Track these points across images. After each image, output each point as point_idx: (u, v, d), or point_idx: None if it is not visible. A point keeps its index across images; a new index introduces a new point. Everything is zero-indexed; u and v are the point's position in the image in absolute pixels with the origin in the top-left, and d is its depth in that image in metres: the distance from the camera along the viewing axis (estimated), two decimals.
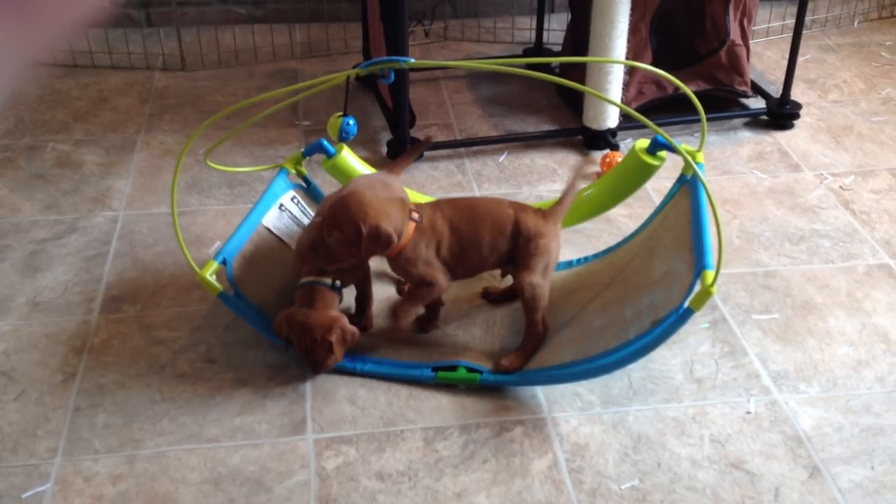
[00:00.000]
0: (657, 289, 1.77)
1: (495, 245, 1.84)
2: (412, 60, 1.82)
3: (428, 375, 1.83)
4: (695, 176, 1.86)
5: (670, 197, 1.97)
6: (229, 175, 2.55)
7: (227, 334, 1.97)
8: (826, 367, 1.90)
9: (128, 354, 1.92)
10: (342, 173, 2.17)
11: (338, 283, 1.83)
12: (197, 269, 1.83)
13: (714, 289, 1.58)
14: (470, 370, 1.84)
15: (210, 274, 1.82)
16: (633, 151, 2.00)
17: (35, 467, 1.67)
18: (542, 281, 1.84)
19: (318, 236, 1.77)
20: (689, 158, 1.71)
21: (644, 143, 2.00)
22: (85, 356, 1.92)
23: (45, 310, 2.05)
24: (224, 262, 1.86)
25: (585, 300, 1.95)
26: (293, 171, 2.14)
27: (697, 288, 1.61)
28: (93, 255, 2.22)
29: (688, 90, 1.88)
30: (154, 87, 3.07)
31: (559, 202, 1.89)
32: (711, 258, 1.65)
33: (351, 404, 1.80)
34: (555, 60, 2.12)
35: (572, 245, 2.25)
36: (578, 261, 2.13)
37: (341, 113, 2.07)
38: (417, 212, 1.81)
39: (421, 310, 1.92)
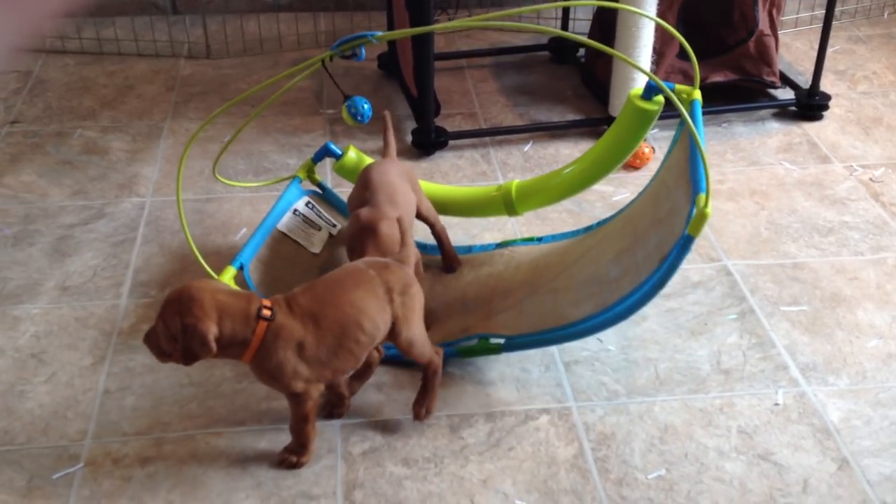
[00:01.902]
0: (662, 227, 1.75)
1: (382, 315, 1.61)
2: (379, 34, 1.80)
3: (449, 352, 1.83)
4: (692, 112, 1.83)
5: (674, 142, 1.96)
6: (255, 162, 2.56)
7: None
8: (855, 359, 1.89)
9: None
10: (351, 173, 2.17)
11: None
12: (214, 275, 1.88)
13: (709, 210, 1.56)
14: (489, 341, 1.83)
15: (228, 279, 1.86)
16: (628, 100, 1.99)
17: (65, 449, 1.68)
18: (419, 327, 1.67)
19: (153, 326, 1.56)
20: (675, 98, 1.66)
21: (638, 90, 1.99)
22: (114, 340, 1.93)
23: (74, 294, 2.06)
24: (241, 268, 1.90)
25: (601, 256, 1.93)
26: (306, 180, 2.15)
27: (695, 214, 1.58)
28: (120, 241, 2.24)
29: (666, 25, 1.85)
30: (179, 74, 3.08)
31: (403, 245, 1.73)
32: (705, 183, 1.61)
33: (377, 391, 1.81)
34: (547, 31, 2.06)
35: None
36: (599, 223, 2.13)
37: (347, 96, 1.97)
38: (270, 308, 1.55)
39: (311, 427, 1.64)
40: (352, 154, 2.17)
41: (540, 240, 2.16)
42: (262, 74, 3.06)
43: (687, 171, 1.74)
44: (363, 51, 1.84)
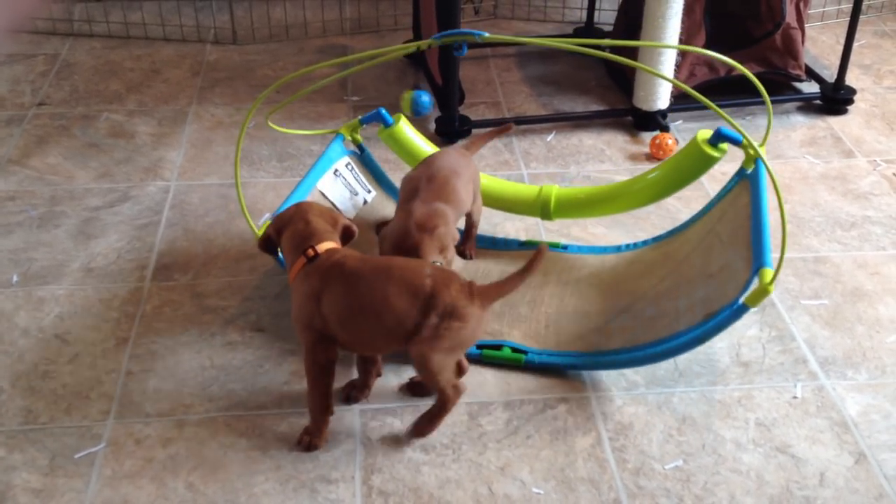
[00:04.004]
0: (712, 283, 1.76)
1: (403, 319, 1.57)
2: (486, 34, 1.80)
3: (472, 353, 1.84)
4: (756, 170, 1.84)
5: (728, 190, 1.95)
6: (279, 148, 2.57)
7: (276, 304, 1.99)
8: (875, 354, 1.89)
9: (179, 322, 1.95)
10: (398, 144, 2.17)
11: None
12: (255, 228, 1.91)
13: (772, 287, 1.57)
14: (515, 350, 1.85)
15: (264, 230, 1.83)
16: (694, 142, 1.96)
17: (88, 429, 1.71)
18: (441, 358, 1.59)
19: None
20: (760, 151, 1.68)
21: (706, 133, 1.95)
22: (137, 322, 1.95)
23: (98, 276, 2.08)
24: None
25: (638, 289, 1.94)
26: (349, 138, 2.15)
27: (755, 285, 1.60)
28: (145, 224, 2.26)
29: (754, 79, 1.83)
30: (205, 59, 3.10)
31: (502, 284, 1.62)
32: (770, 256, 1.63)
33: (396, 377, 1.82)
34: (615, 43, 2.06)
35: (621, 227, 2.25)
36: (628, 246, 2.12)
37: (414, 88, 1.96)
38: (314, 250, 1.63)
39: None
40: (403, 126, 2.16)
41: (565, 248, 2.16)
42: (288, 61, 3.08)
43: (746, 231, 1.74)
44: (465, 47, 1.85)
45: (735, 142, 1.89)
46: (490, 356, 1.85)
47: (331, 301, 1.59)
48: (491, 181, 2.21)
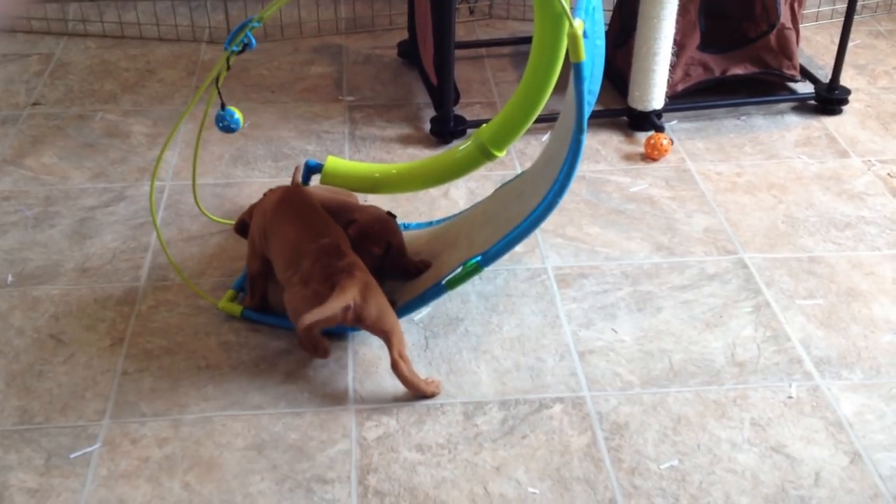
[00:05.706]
0: (564, 110, 1.80)
1: (286, 265, 1.82)
2: (256, 16, 1.80)
3: (441, 289, 1.85)
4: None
5: None
6: (274, 148, 2.57)
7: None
8: (870, 354, 1.89)
9: (174, 321, 1.95)
10: (342, 178, 2.14)
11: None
12: (215, 301, 1.97)
13: (575, 31, 1.62)
14: (469, 265, 1.82)
15: (229, 300, 1.97)
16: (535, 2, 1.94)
17: (83, 429, 1.71)
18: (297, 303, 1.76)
19: None
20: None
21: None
22: (132, 322, 1.95)
23: (93, 276, 2.08)
24: (241, 290, 2.01)
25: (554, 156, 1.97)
26: None
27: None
28: (140, 224, 2.26)
29: None
30: (200, 59, 3.09)
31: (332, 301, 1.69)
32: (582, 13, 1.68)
33: (392, 377, 1.82)
34: None
35: (615, 227, 2.25)
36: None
37: (222, 107, 1.91)
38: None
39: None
40: (331, 163, 2.14)
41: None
42: (283, 60, 3.07)
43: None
44: (252, 39, 1.83)
45: None
46: (453, 281, 1.83)
47: (266, 223, 1.87)
48: (428, 160, 2.18)
